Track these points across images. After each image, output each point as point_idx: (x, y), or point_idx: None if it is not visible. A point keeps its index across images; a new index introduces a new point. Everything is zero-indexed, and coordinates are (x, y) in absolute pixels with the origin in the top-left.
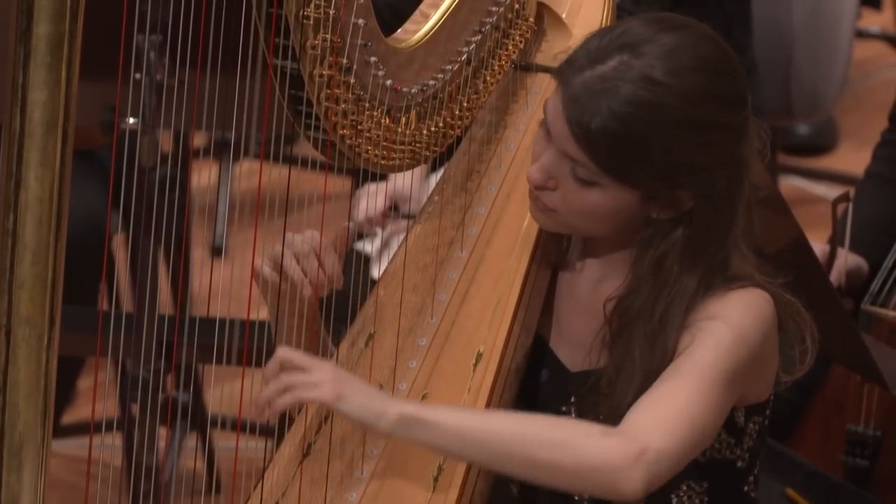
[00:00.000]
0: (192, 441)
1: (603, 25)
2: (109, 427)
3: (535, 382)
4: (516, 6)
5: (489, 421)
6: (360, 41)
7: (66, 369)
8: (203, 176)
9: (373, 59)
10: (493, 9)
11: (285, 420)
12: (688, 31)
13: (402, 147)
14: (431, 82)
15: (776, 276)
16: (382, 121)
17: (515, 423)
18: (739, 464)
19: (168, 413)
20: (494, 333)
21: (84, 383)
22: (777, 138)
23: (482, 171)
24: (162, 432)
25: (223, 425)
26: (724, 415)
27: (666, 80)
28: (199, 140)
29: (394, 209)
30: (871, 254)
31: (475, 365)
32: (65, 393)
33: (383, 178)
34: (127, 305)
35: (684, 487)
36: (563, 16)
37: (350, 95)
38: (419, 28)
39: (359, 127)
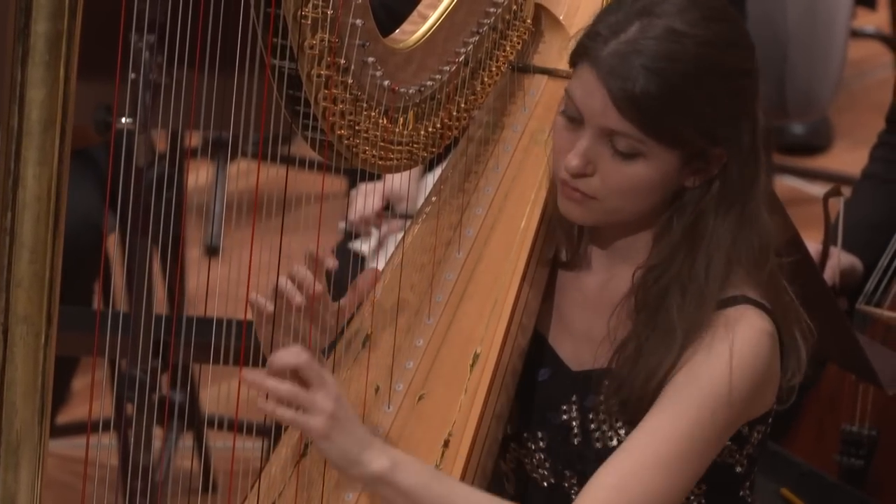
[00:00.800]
0: (187, 441)
1: None
2: (105, 427)
3: (534, 381)
4: (514, 7)
5: (452, 500)
6: (357, 41)
7: (61, 369)
8: (199, 175)
9: (371, 59)
10: (491, 10)
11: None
12: None
13: (400, 147)
14: (429, 83)
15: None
16: (380, 121)
17: None
18: (738, 469)
19: (164, 413)
20: (491, 334)
21: (79, 383)
22: (772, 138)
23: (480, 172)
24: (157, 432)
25: (219, 425)
26: (699, 474)
27: (689, 31)
28: (194, 139)
29: (389, 209)
30: (866, 253)
31: (472, 366)
32: (60, 393)
33: (378, 177)
34: (122, 305)
35: None
36: (561, 17)
37: (348, 96)
38: (417, 29)
39: (356, 127)
